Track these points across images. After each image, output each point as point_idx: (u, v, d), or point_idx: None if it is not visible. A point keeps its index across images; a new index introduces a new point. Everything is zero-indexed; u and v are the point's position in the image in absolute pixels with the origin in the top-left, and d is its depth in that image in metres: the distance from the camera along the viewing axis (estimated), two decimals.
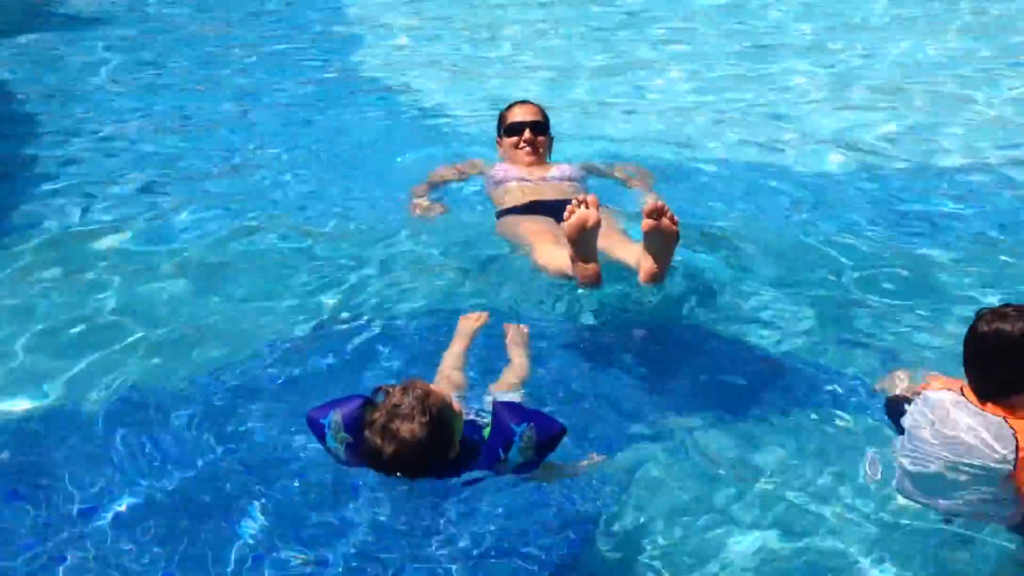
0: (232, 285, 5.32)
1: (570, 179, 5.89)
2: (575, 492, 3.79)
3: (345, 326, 4.93)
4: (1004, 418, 3.51)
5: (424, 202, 5.97)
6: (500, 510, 3.65)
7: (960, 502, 3.58)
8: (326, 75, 9.12)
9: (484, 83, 8.79)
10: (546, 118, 6.08)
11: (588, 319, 4.98)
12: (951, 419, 3.62)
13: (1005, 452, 3.45)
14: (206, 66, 9.31)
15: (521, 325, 4.58)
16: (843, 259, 5.47)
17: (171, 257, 5.62)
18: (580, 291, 4.97)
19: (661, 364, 4.76)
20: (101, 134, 7.51)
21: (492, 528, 3.62)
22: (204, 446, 4.08)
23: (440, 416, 3.43)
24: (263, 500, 3.80)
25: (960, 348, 3.68)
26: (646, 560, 3.61)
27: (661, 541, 3.67)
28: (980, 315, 3.62)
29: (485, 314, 4.62)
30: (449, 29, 10.69)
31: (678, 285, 5.18)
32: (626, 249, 5.00)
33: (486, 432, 3.57)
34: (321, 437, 3.56)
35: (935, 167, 6.90)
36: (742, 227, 5.83)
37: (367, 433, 3.44)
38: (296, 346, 4.77)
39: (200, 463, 4.00)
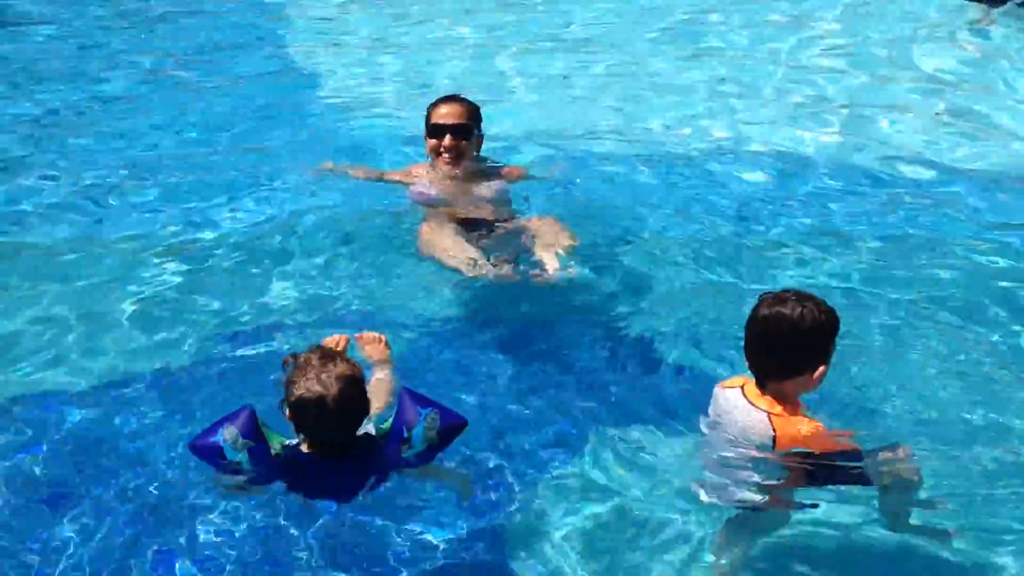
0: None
1: (495, 200, 5.84)
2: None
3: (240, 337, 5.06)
4: (768, 412, 3.72)
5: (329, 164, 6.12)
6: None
7: (738, 489, 3.80)
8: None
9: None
10: (473, 117, 5.88)
11: (489, 317, 5.22)
12: (727, 413, 3.75)
13: (766, 440, 3.68)
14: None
15: (375, 334, 4.49)
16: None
17: None
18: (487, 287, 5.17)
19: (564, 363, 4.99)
20: None
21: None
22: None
23: (353, 366, 3.65)
24: None
25: None
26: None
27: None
28: (761, 299, 3.73)
29: (343, 338, 4.45)
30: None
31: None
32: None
33: (386, 426, 3.72)
34: (218, 455, 3.62)
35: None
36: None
37: (297, 390, 3.57)
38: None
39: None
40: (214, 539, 3.80)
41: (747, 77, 9.28)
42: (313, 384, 3.60)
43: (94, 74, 9.34)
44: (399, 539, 3.80)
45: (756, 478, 3.82)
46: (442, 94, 6.17)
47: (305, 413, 3.63)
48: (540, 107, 8.52)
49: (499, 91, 8.74)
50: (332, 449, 3.72)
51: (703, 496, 3.97)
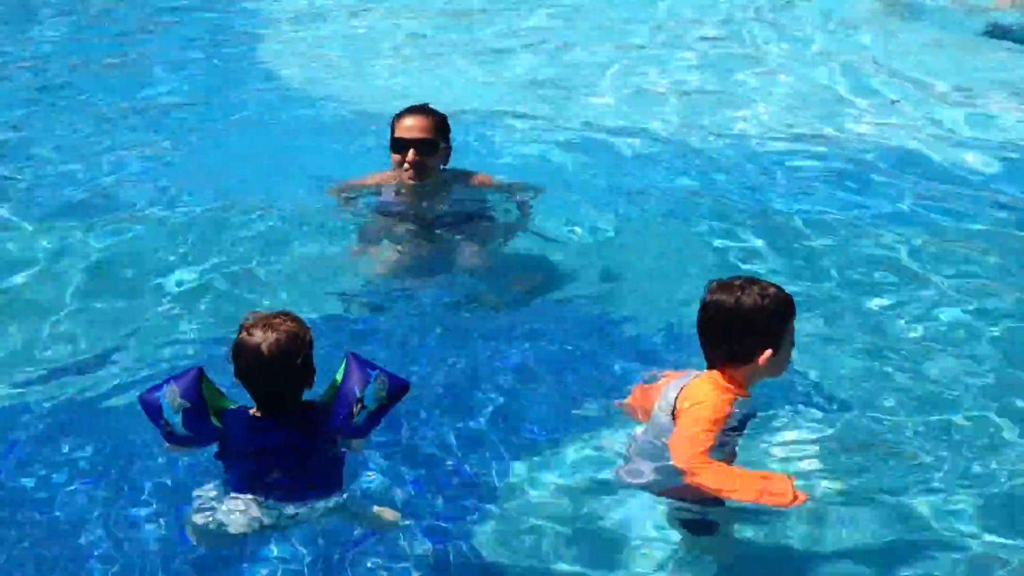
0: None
1: (460, 212, 5.73)
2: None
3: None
4: (695, 377, 3.75)
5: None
6: None
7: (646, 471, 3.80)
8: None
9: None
10: (439, 129, 5.63)
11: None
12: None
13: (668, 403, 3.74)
14: None
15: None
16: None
17: None
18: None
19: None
20: None
21: None
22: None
23: (304, 327, 3.64)
24: None
25: None
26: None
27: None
28: (709, 286, 3.75)
29: None
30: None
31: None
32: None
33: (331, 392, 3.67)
34: (157, 412, 3.60)
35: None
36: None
37: (239, 335, 3.60)
38: None
39: None
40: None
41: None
42: (255, 330, 3.60)
43: None
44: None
45: (661, 460, 3.78)
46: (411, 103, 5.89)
47: (239, 357, 3.59)
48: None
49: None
50: (270, 405, 3.69)
51: (623, 478, 3.94)
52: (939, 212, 6.68)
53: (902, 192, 6.96)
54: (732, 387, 3.77)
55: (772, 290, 3.79)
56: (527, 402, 4.73)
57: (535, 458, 4.35)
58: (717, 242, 6.22)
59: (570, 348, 5.15)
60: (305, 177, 6.63)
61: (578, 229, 6.29)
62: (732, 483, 3.67)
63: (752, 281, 3.82)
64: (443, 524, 4.04)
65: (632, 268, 5.92)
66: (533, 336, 5.19)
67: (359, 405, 3.60)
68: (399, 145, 5.63)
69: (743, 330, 3.73)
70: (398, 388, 3.69)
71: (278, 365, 3.58)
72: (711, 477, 3.64)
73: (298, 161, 7.18)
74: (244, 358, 3.61)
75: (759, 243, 6.18)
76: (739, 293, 3.73)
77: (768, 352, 3.75)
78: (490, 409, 4.63)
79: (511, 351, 5.08)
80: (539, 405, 4.70)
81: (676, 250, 6.11)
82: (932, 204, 6.79)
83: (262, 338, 3.57)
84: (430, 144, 5.61)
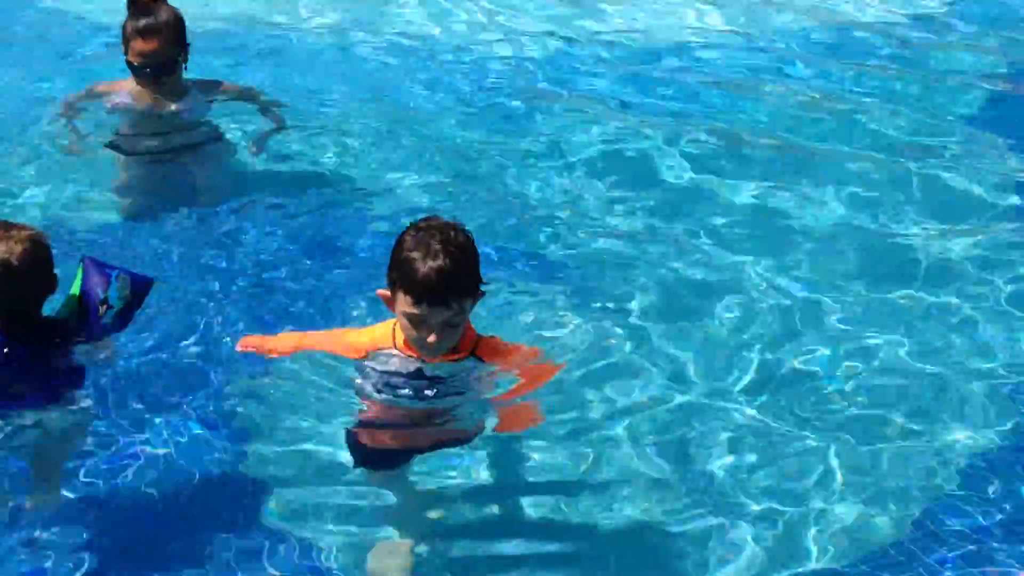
0: None
1: (197, 119, 5.63)
2: None
3: None
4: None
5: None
6: None
7: None
8: None
9: None
10: (172, 40, 5.35)
11: None
12: None
13: None
14: None
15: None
16: None
17: None
18: None
19: None
20: None
21: None
22: None
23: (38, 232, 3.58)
24: None
25: None
26: None
27: None
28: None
29: None
30: None
31: None
32: None
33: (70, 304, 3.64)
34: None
35: None
36: None
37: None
38: None
39: None
40: None
41: None
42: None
43: None
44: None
45: None
46: None
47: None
48: None
49: None
50: (13, 319, 3.62)
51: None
52: None
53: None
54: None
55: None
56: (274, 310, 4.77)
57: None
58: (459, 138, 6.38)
59: (310, 262, 5.20)
60: None
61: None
62: None
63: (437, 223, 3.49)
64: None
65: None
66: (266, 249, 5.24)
67: (105, 306, 3.60)
68: (134, 68, 5.45)
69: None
70: (142, 284, 3.70)
71: (30, 274, 3.52)
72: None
73: None
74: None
75: None
76: None
77: (381, 292, 3.54)
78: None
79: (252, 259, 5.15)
80: (287, 315, 4.73)
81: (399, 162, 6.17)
82: None
83: (6, 250, 3.49)
84: (166, 63, 5.43)
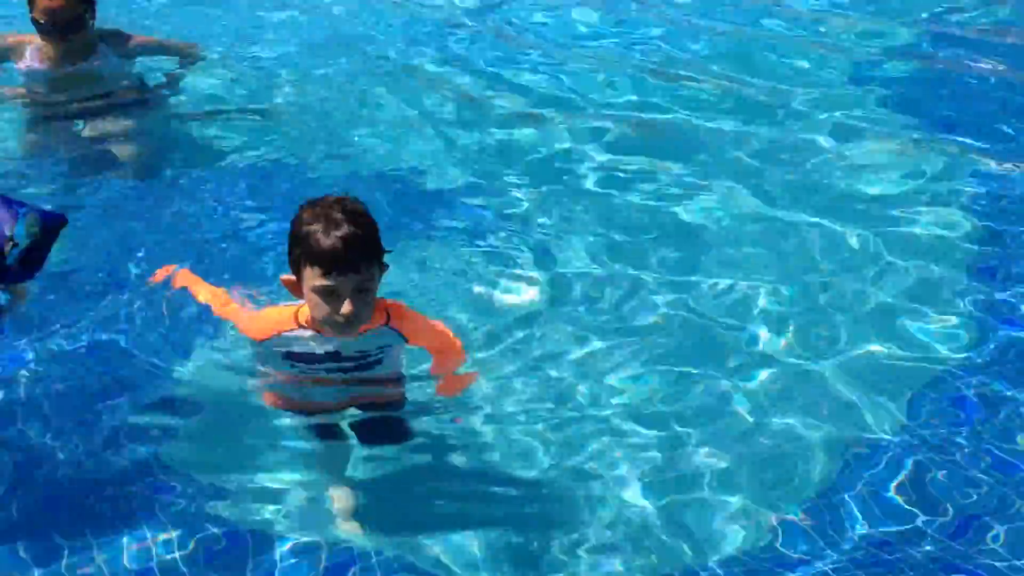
0: None
1: (112, 75, 5.36)
2: None
3: None
4: None
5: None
6: None
7: None
8: None
9: None
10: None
11: None
12: None
13: None
14: None
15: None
16: None
17: None
18: None
19: None
20: None
21: None
22: None
23: None
24: None
25: None
26: None
27: None
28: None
29: None
30: None
31: None
32: None
33: None
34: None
35: None
36: None
37: None
38: None
39: None
40: None
41: None
42: None
43: None
44: None
45: None
46: None
47: None
48: None
49: None
50: None
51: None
52: None
53: None
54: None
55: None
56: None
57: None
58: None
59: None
60: None
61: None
62: None
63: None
64: None
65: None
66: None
67: (11, 243, 3.41)
68: (41, 27, 5.16)
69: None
70: (53, 221, 3.53)
71: None
72: None
73: None
74: None
75: None
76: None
77: (284, 277, 3.47)
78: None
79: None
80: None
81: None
82: None
83: None
84: (75, 22, 5.18)
